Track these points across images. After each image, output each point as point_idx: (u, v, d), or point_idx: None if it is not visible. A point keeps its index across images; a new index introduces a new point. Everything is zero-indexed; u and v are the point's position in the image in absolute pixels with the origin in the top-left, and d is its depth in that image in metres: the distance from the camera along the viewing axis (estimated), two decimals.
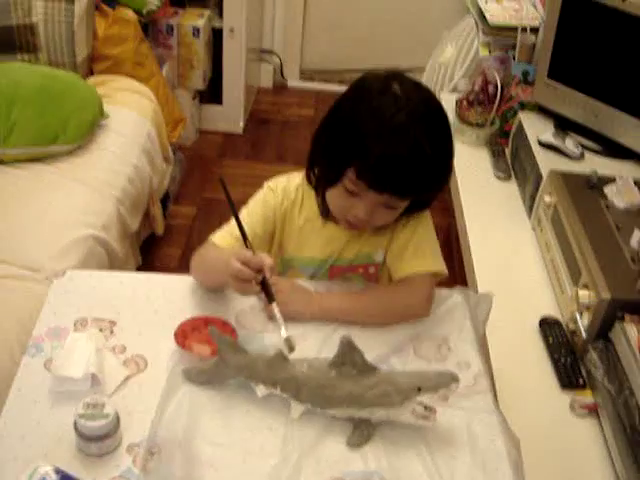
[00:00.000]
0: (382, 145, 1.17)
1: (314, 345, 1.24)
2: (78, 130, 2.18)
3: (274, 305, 1.17)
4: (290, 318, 1.24)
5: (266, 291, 1.18)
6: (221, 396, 1.15)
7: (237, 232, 1.30)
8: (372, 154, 1.18)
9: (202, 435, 1.08)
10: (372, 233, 1.38)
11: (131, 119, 2.42)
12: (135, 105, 2.48)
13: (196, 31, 3.06)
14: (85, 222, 1.96)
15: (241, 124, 3.44)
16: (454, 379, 1.08)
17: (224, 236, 1.35)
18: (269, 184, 1.42)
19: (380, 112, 1.19)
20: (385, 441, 1.09)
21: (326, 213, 1.37)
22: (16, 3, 2.34)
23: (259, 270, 1.15)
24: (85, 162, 2.18)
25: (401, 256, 1.37)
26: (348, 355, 1.08)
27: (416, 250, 1.36)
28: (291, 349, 1.14)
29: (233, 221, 1.33)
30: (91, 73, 2.59)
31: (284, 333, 1.15)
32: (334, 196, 1.29)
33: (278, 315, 1.17)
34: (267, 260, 1.16)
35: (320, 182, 1.33)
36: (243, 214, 1.36)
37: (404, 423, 1.09)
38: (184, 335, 1.22)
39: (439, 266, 1.36)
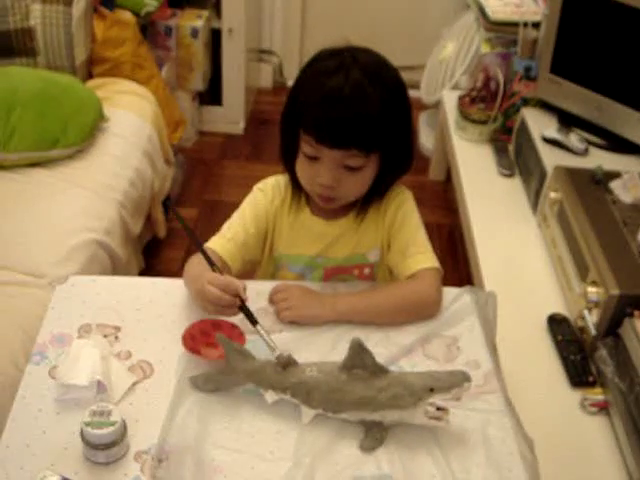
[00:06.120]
0: (322, 95, 1.22)
1: (325, 348, 1.23)
2: (78, 134, 2.16)
3: (259, 327, 1.16)
4: (305, 323, 1.27)
5: (247, 315, 1.17)
6: (231, 401, 1.13)
7: (229, 234, 1.35)
8: (313, 106, 1.23)
9: (212, 441, 1.07)
10: (359, 226, 1.39)
11: (131, 122, 2.39)
12: (135, 107, 2.46)
13: (195, 32, 3.05)
14: (87, 227, 1.94)
15: (241, 125, 3.42)
16: (466, 379, 1.06)
17: (217, 241, 1.36)
18: (258, 186, 1.44)
19: (323, 70, 1.24)
20: (398, 444, 1.08)
21: (299, 189, 1.38)
22: (14, 7, 2.33)
23: (236, 294, 1.16)
24: (86, 166, 2.16)
25: (404, 254, 1.37)
26: (358, 357, 1.06)
27: (418, 247, 1.37)
28: (284, 367, 1.10)
29: (226, 224, 1.39)
30: (90, 76, 2.57)
31: (275, 352, 1.12)
32: (299, 168, 1.32)
33: (265, 336, 1.15)
34: (238, 283, 1.17)
35: (286, 156, 1.35)
36: (234, 217, 1.40)
37: (417, 425, 1.08)
38: (192, 339, 1.20)
39: (438, 263, 1.37)
